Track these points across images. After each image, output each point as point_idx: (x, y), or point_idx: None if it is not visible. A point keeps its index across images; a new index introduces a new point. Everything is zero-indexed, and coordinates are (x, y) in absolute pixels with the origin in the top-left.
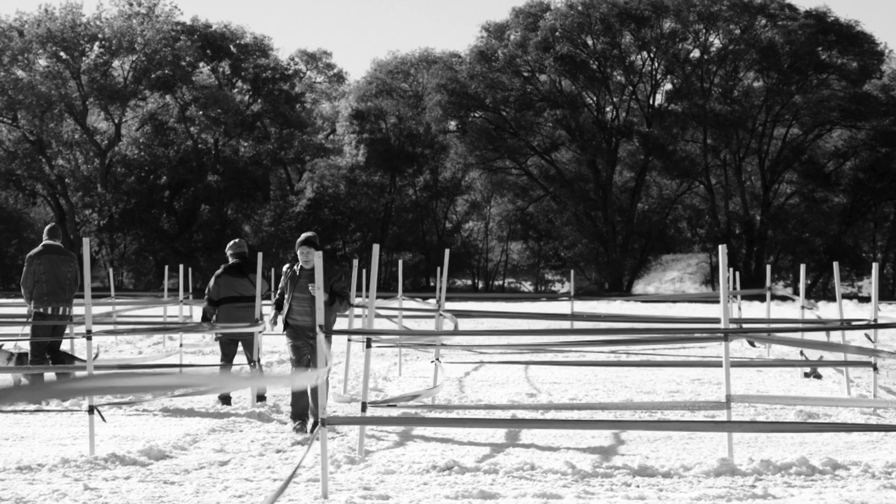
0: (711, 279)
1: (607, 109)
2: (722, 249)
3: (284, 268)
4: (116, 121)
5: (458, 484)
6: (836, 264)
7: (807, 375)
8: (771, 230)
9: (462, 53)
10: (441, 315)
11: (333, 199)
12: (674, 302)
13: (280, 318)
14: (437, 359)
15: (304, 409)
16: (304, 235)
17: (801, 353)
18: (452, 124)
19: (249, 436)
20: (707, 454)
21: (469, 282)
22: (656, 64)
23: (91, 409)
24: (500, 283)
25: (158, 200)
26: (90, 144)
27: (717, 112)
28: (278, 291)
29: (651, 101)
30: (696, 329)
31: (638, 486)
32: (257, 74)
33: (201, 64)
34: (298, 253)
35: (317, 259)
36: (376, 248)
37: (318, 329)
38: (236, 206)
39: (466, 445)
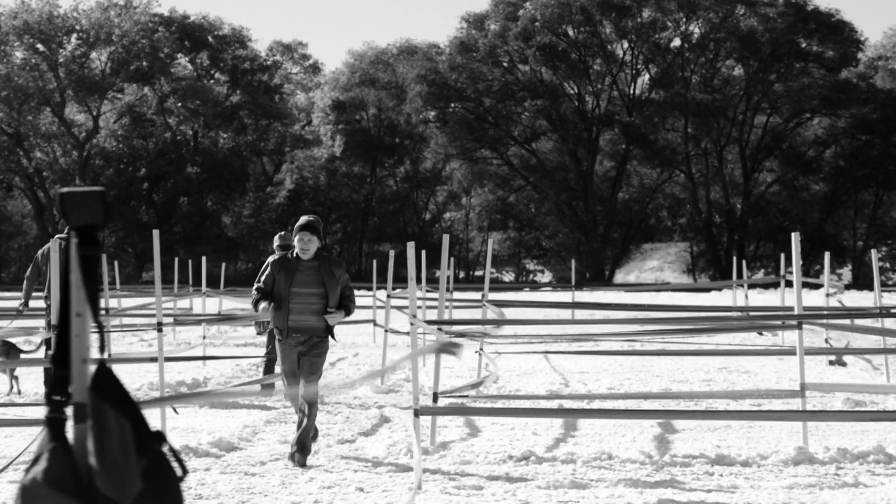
0: (692, 268)
1: (588, 99)
2: (795, 237)
3: (271, 258)
4: (94, 113)
5: (542, 474)
6: (873, 252)
7: (832, 363)
8: (752, 218)
9: (442, 44)
10: (485, 305)
11: (313, 190)
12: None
13: (266, 316)
14: (481, 349)
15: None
16: (303, 219)
17: (827, 342)
18: (433, 115)
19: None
20: (772, 443)
21: (449, 272)
22: (637, 53)
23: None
24: (481, 273)
25: (137, 193)
26: (68, 137)
27: (698, 101)
28: (257, 286)
29: (632, 91)
30: (768, 316)
31: (721, 476)
32: (236, 66)
33: (179, 55)
34: (297, 240)
35: (333, 267)
36: (446, 238)
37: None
38: (216, 198)
39: (531, 436)
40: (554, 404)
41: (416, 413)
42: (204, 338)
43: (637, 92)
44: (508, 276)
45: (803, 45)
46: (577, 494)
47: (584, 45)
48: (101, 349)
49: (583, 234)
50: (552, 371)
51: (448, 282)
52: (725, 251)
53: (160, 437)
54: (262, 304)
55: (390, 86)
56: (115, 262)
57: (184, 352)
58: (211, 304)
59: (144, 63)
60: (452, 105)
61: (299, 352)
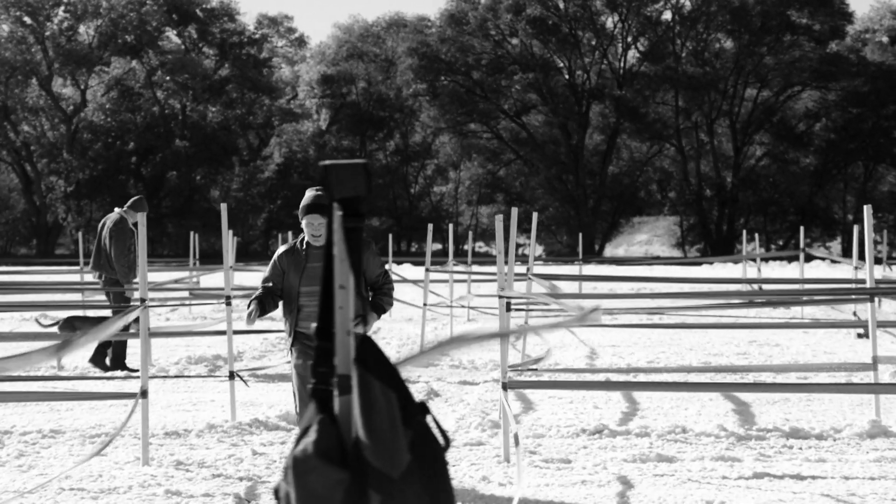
0: (682, 242)
1: (578, 73)
2: (867, 209)
3: (280, 250)
4: (82, 86)
5: (621, 447)
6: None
7: (860, 336)
8: (742, 192)
9: (432, 17)
10: (530, 278)
11: (303, 164)
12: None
13: (255, 315)
14: (527, 322)
15: None
16: (311, 196)
17: (854, 314)
18: (423, 88)
19: None
20: (839, 416)
21: (440, 246)
22: (627, 26)
23: (231, 375)
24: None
25: (125, 166)
26: (56, 110)
27: (689, 74)
28: (263, 282)
29: (622, 64)
30: (841, 289)
31: (801, 449)
32: (224, 39)
33: (167, 29)
34: (304, 224)
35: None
36: (515, 211)
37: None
38: (204, 172)
39: (593, 409)
40: (625, 377)
41: (505, 387)
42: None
43: (628, 65)
44: (495, 251)
45: (794, 17)
46: (669, 468)
47: (575, 18)
48: (365, 322)
49: (573, 208)
50: (581, 344)
51: (467, 256)
52: (716, 225)
53: (424, 408)
54: (251, 308)
55: (379, 59)
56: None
57: (209, 326)
58: (237, 278)
59: (132, 36)
60: (442, 78)
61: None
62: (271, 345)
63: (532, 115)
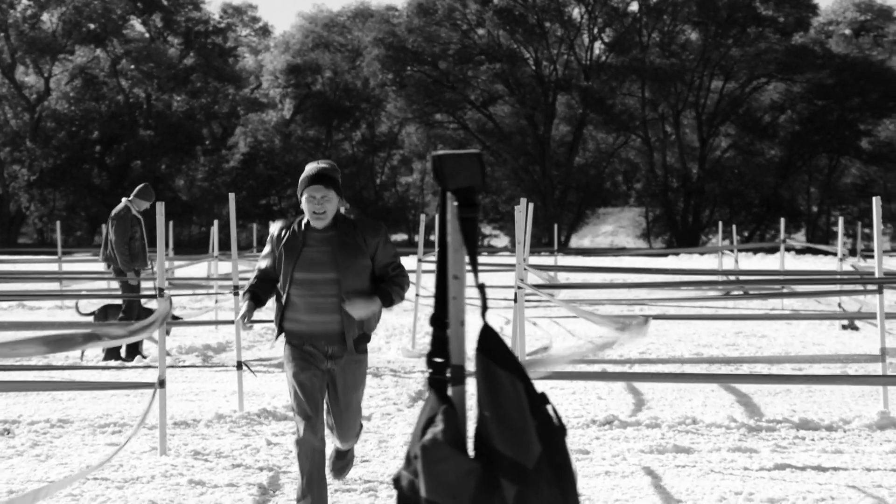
0: (648, 233)
1: (545, 63)
2: (876, 201)
3: (273, 228)
4: (46, 75)
5: (634, 438)
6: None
7: (844, 328)
8: (707, 183)
9: (399, 7)
10: (527, 269)
11: (268, 153)
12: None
13: (248, 318)
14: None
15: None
16: (314, 167)
17: (840, 306)
18: (390, 78)
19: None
20: (842, 407)
21: (405, 236)
22: (594, 17)
23: (239, 365)
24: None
25: (90, 155)
26: (19, 99)
27: (656, 65)
28: (257, 270)
29: (589, 55)
30: (847, 280)
31: (814, 440)
32: (189, 28)
33: (132, 17)
34: (304, 199)
35: (364, 235)
36: (524, 201)
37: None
38: (169, 162)
39: (597, 400)
40: (622, 369)
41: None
42: (216, 302)
43: (594, 56)
44: None
45: (759, 9)
46: (688, 459)
47: (542, 8)
48: (484, 311)
49: (539, 199)
50: (569, 335)
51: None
52: (681, 216)
53: (545, 398)
54: (244, 311)
55: (346, 49)
56: (57, 224)
57: (190, 316)
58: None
59: (96, 25)
60: (409, 68)
61: (314, 376)
62: (258, 335)
63: (499, 106)
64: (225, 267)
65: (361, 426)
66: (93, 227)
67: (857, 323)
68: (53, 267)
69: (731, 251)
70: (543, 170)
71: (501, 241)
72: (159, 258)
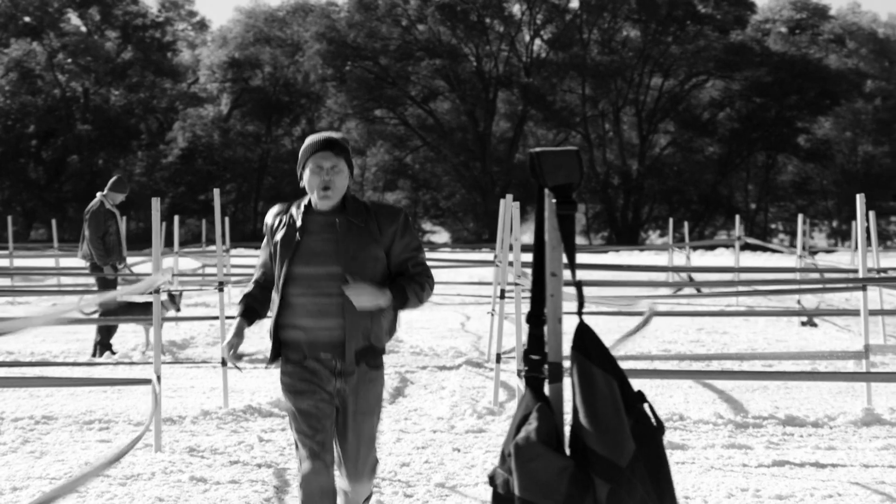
0: (588, 229)
1: (486, 59)
2: (860, 198)
3: (270, 216)
4: None
5: None
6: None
7: (804, 325)
8: (647, 180)
9: (340, 2)
10: (497, 265)
11: (207, 148)
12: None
13: (234, 352)
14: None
15: None
16: (318, 134)
17: (799, 303)
18: (330, 73)
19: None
20: (818, 403)
21: None
22: (534, 14)
23: (223, 362)
24: None
25: (26, 150)
26: None
27: (596, 62)
28: (255, 272)
29: (530, 52)
30: (834, 279)
31: (802, 437)
32: (127, 22)
33: (69, 10)
34: (307, 172)
35: (379, 222)
36: (510, 198)
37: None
38: (107, 156)
39: None
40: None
41: (520, 374)
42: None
43: (535, 53)
44: None
45: (698, 7)
46: (685, 455)
47: (483, 5)
48: (580, 309)
49: (479, 195)
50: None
51: None
52: (621, 213)
53: (642, 396)
54: (231, 338)
55: (286, 44)
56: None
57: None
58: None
59: (32, 18)
60: (350, 64)
61: (320, 400)
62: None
63: (439, 102)
64: (183, 263)
65: (377, 462)
66: (28, 222)
67: (815, 319)
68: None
69: (682, 248)
70: (484, 166)
71: (442, 237)
72: (154, 254)
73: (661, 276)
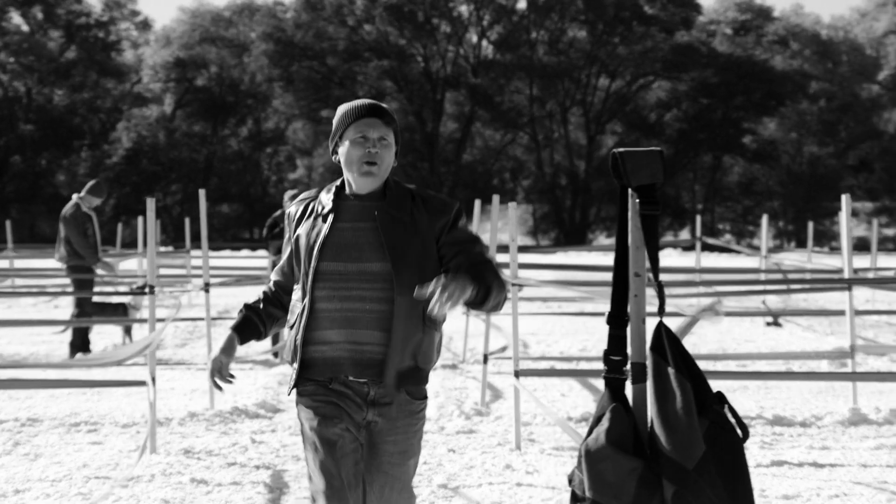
0: (535, 230)
1: (434, 60)
2: (845, 199)
3: (293, 204)
4: None
5: None
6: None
7: (769, 325)
8: (595, 181)
9: (287, 2)
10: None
11: (152, 148)
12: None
13: (226, 364)
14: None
15: None
16: (361, 101)
17: (764, 303)
18: (277, 74)
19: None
20: (801, 403)
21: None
22: (482, 15)
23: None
24: None
25: None
26: None
27: (544, 63)
28: (276, 272)
29: (477, 53)
30: (820, 280)
31: (792, 437)
32: (70, 21)
33: (11, 9)
34: (348, 143)
35: (426, 211)
36: (496, 199)
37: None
38: (50, 157)
39: (560, 398)
40: (575, 366)
41: (517, 374)
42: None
43: (482, 54)
44: None
45: (645, 8)
46: None
47: (431, 5)
48: (661, 310)
49: None
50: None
51: None
52: (569, 213)
53: (721, 398)
54: (231, 326)
55: (232, 44)
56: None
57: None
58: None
59: None
60: (297, 64)
61: (348, 428)
62: (188, 333)
63: (387, 103)
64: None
65: None
66: None
67: (780, 320)
68: None
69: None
70: (432, 167)
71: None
72: (149, 255)
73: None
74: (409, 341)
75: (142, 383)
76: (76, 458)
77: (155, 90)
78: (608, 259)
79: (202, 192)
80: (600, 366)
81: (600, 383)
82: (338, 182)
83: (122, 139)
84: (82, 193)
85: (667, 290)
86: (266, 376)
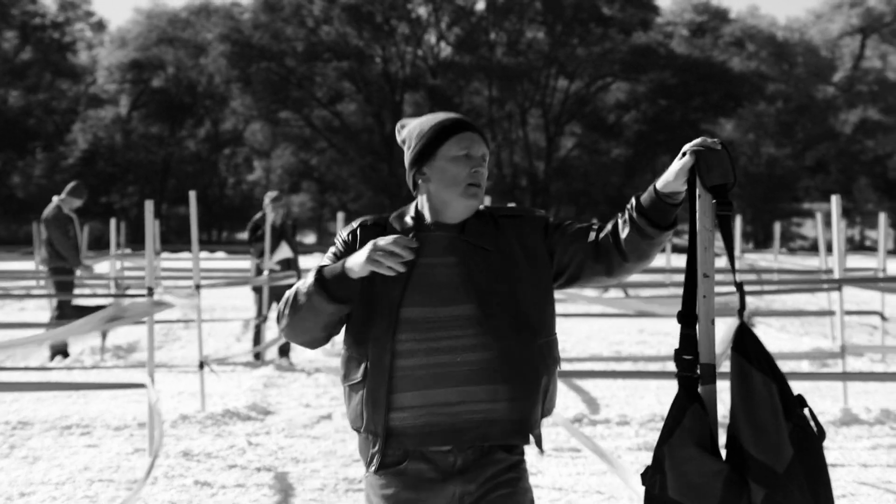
0: None
1: (393, 61)
2: (835, 200)
3: (348, 232)
4: None
5: (612, 437)
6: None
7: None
8: (554, 182)
9: (244, 3)
10: None
11: (109, 150)
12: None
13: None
14: None
15: None
16: (449, 114)
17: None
18: (235, 75)
19: (302, 390)
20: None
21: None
22: (441, 16)
23: (201, 365)
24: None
25: None
26: None
27: (503, 64)
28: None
29: (436, 54)
30: (810, 280)
31: None
32: (25, 22)
33: None
34: (443, 160)
35: (521, 232)
36: (488, 201)
37: None
38: (5, 158)
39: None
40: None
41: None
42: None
43: (442, 55)
44: (310, 239)
45: (603, 9)
46: None
47: (390, 6)
48: (742, 310)
49: (387, 197)
50: None
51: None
52: None
53: (802, 400)
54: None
55: (190, 45)
56: None
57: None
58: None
59: None
60: (255, 65)
61: None
62: (163, 336)
63: (346, 104)
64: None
65: None
66: None
67: (753, 320)
68: None
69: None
70: (390, 168)
71: None
72: (148, 257)
73: None
74: (528, 396)
75: (140, 386)
76: (75, 461)
77: (111, 91)
78: None
79: (192, 194)
80: (581, 366)
81: (585, 384)
82: (411, 212)
83: (79, 141)
84: (63, 195)
85: (639, 292)
86: (250, 378)
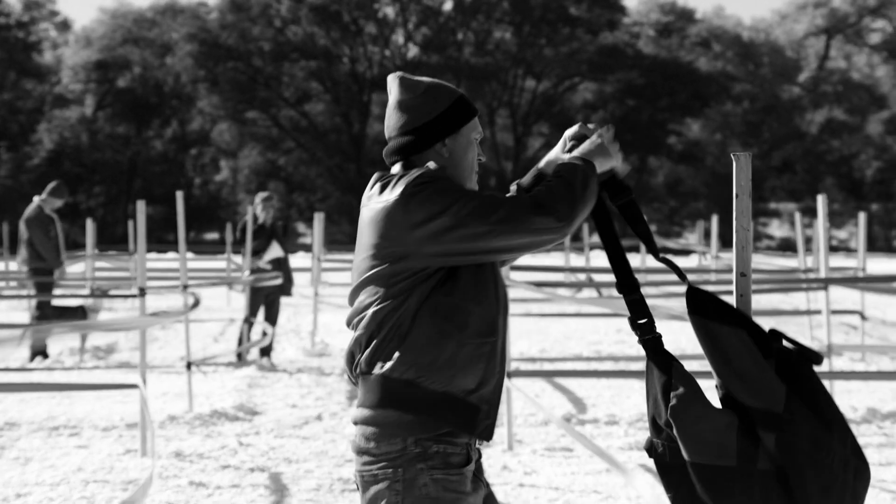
0: None
1: (361, 61)
2: (821, 199)
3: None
4: None
5: (603, 436)
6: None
7: None
8: None
9: (211, 3)
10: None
11: (75, 150)
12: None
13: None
14: None
15: None
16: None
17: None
18: (202, 74)
19: (287, 390)
20: None
21: (217, 235)
22: (408, 16)
23: (189, 365)
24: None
25: None
26: None
27: (471, 64)
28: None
29: (404, 54)
30: (792, 279)
31: None
32: None
33: None
34: (465, 140)
35: None
36: None
37: None
38: None
39: (534, 398)
40: (539, 367)
41: (509, 375)
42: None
43: (410, 55)
44: None
45: (571, 9)
46: None
47: (357, 6)
48: (683, 276)
49: (355, 198)
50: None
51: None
52: None
53: (776, 335)
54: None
55: (155, 45)
56: None
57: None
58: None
59: None
60: (222, 65)
61: None
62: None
63: (313, 104)
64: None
65: None
66: None
67: None
68: None
69: (581, 249)
70: (359, 168)
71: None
72: (139, 257)
73: (558, 277)
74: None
75: (132, 386)
76: (68, 463)
77: (76, 91)
78: (551, 259)
79: (179, 194)
80: (564, 366)
81: (569, 383)
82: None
83: (44, 141)
84: (44, 195)
85: (613, 291)
86: (233, 378)
